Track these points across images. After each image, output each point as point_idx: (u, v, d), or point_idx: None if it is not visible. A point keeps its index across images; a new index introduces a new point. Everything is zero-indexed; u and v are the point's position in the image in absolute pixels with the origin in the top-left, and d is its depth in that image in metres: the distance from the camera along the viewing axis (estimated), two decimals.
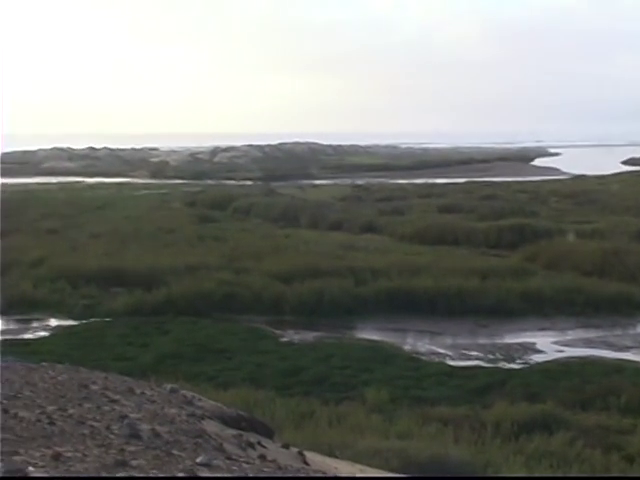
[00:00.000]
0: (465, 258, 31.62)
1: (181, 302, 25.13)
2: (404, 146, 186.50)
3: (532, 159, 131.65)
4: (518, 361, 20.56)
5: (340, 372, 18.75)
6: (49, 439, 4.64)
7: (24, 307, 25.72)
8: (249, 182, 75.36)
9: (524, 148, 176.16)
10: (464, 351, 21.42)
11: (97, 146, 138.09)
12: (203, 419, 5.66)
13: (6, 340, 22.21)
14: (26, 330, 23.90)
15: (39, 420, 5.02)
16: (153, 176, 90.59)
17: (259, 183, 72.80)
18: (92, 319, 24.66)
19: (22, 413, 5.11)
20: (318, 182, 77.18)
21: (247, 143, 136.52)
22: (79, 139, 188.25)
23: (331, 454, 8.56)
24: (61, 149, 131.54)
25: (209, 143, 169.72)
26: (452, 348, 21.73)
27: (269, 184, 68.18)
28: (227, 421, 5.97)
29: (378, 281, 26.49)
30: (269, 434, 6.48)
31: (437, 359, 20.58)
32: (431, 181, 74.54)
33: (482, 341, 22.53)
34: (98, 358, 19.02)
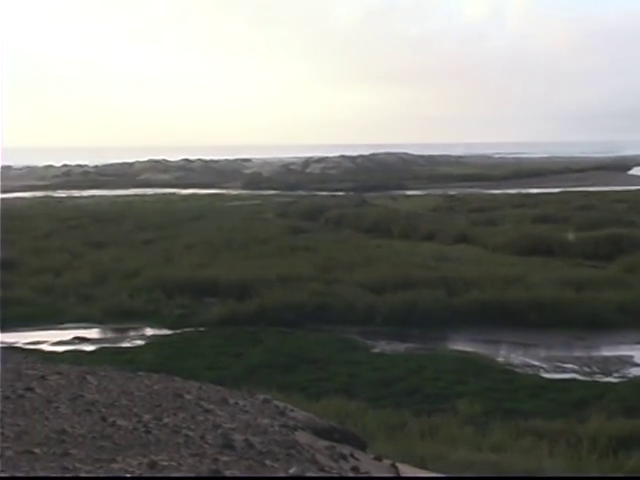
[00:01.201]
0: (560, 269, 31.10)
1: (273, 312, 25.26)
2: (497, 156, 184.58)
3: (630, 168, 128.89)
4: (615, 375, 20.10)
5: (432, 384, 18.61)
6: (145, 447, 4.71)
7: (121, 316, 26.21)
8: (341, 193, 75.45)
9: (621, 157, 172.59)
10: (559, 364, 21.05)
11: (191, 158, 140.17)
12: (296, 430, 5.67)
13: (104, 348, 22.69)
14: (122, 339, 24.34)
15: (136, 428, 5.11)
16: (246, 187, 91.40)
17: (351, 194, 72.81)
18: (186, 329, 24.97)
19: (119, 421, 5.20)
20: (410, 192, 76.88)
21: (339, 154, 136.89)
22: (174, 151, 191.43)
23: (423, 466, 8.49)
24: (157, 161, 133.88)
25: (301, 154, 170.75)
26: (546, 360, 21.37)
27: (361, 195, 68.16)
28: (319, 432, 5.98)
29: (471, 292, 26.23)
30: (362, 446, 6.46)
31: (531, 371, 20.27)
32: (525, 191, 73.55)
33: (578, 354, 22.10)
34: (191, 367, 19.24)
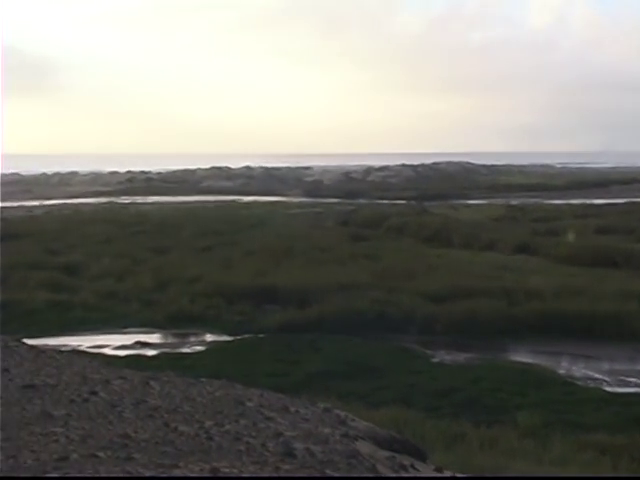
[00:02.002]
0: (624, 281, 30.65)
1: (332, 320, 25.28)
2: (560, 166, 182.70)
3: None
4: None
5: (492, 394, 18.47)
6: (207, 454, 4.75)
7: (181, 322, 26.45)
8: (402, 201, 75.27)
9: None
10: (622, 377, 20.75)
11: (253, 165, 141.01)
12: (356, 440, 5.68)
13: (164, 353, 22.92)
14: (183, 344, 24.56)
15: (198, 435, 5.16)
16: (307, 195, 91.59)
17: (412, 202, 72.61)
18: (245, 335, 25.10)
19: (182, 427, 5.26)
20: (471, 202, 76.40)
21: (400, 162, 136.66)
22: (236, 159, 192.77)
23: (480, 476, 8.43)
24: (219, 168, 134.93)
25: (363, 162, 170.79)
26: (609, 374, 21.08)
27: (422, 203, 67.93)
28: (380, 442, 5.97)
29: (532, 303, 25.99)
30: (422, 457, 6.45)
31: (593, 384, 20.00)
32: (588, 201, 72.65)
33: None
34: (250, 374, 19.32)
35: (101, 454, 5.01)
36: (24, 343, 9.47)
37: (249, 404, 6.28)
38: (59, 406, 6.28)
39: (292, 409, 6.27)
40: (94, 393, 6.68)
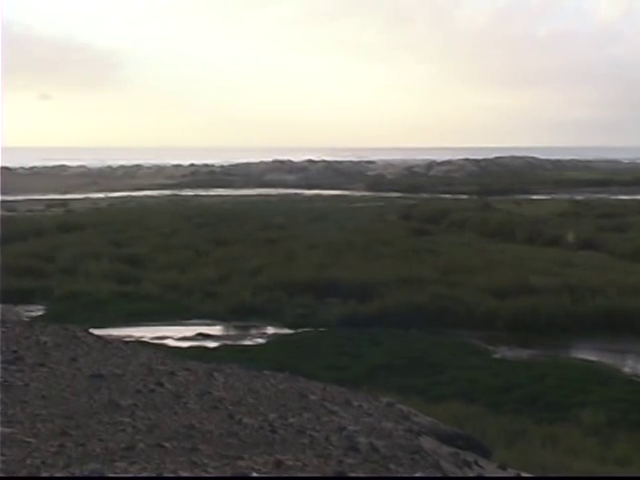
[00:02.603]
0: None
1: (394, 314, 25.26)
2: (626, 161, 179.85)
3: None
4: None
5: (554, 392, 18.30)
6: (271, 446, 4.80)
7: (243, 314, 26.63)
8: (464, 196, 74.82)
9: None
10: None
11: (316, 159, 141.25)
12: (420, 435, 5.68)
13: (226, 345, 23.10)
14: (244, 336, 24.72)
15: (262, 427, 5.21)
16: (369, 189, 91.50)
17: (474, 197, 72.14)
18: (306, 328, 25.19)
19: (246, 419, 5.32)
20: (535, 197, 75.65)
21: (463, 157, 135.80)
22: (299, 152, 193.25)
23: (544, 476, 8.38)
24: (281, 162, 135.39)
25: (425, 157, 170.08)
26: None
27: (485, 198, 67.43)
28: (443, 438, 5.97)
29: (596, 300, 25.69)
30: (485, 454, 6.43)
31: None
32: None
33: None
34: (311, 367, 19.38)
35: (167, 444, 5.08)
36: (91, 333, 9.64)
37: (312, 397, 6.31)
38: (126, 396, 6.39)
39: (355, 403, 6.29)
40: (160, 384, 6.77)
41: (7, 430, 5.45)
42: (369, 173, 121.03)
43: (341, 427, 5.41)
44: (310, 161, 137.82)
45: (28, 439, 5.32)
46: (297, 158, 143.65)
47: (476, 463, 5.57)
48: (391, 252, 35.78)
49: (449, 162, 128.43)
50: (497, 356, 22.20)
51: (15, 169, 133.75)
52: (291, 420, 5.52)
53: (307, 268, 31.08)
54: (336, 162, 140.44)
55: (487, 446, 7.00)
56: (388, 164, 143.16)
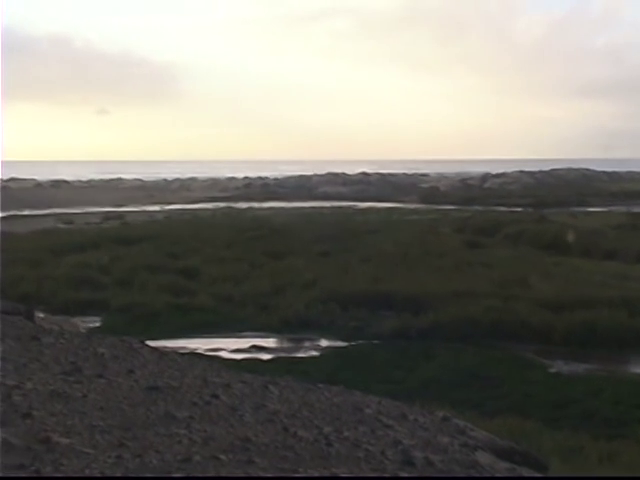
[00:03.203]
0: None
1: (447, 327, 25.13)
2: None
3: None
4: None
5: (612, 407, 18.05)
6: (326, 460, 4.81)
7: (297, 327, 26.67)
8: (519, 209, 74.25)
9: None
10: None
11: (369, 171, 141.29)
12: (476, 450, 5.65)
13: (280, 358, 23.15)
14: (298, 349, 24.76)
15: (317, 440, 5.22)
16: (423, 201, 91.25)
17: (529, 210, 71.57)
18: (360, 341, 25.16)
19: (301, 432, 5.34)
20: (591, 209, 74.86)
21: (518, 169, 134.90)
22: (353, 165, 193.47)
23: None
24: (335, 174, 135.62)
25: (480, 169, 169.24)
26: None
27: (540, 211, 66.88)
28: (499, 453, 5.93)
29: None
30: (542, 469, 6.37)
31: None
32: None
33: None
34: (365, 380, 19.35)
35: (223, 457, 5.12)
36: (147, 345, 9.74)
37: (367, 411, 6.32)
38: (182, 408, 6.44)
39: (410, 417, 6.28)
40: (215, 396, 6.82)
41: (66, 441, 5.53)
42: (423, 185, 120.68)
43: (396, 441, 5.40)
44: (364, 174, 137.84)
45: (87, 450, 5.39)
46: (351, 171, 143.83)
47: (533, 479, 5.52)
48: (445, 265, 35.61)
49: (504, 174, 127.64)
50: (553, 370, 21.97)
51: (73, 182, 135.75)
52: (346, 434, 5.52)
53: (361, 281, 31.05)
54: (390, 174, 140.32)
55: (543, 462, 6.93)
56: (442, 176, 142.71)
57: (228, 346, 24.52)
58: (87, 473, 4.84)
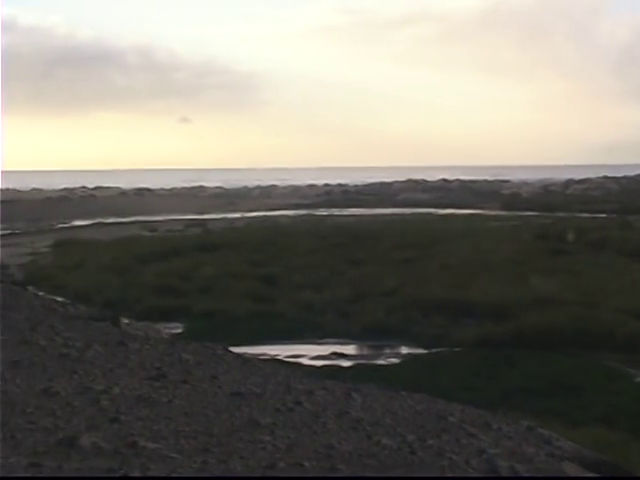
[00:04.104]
0: None
1: (530, 335, 24.82)
2: None
3: None
4: None
5: None
6: (410, 468, 4.80)
7: (377, 333, 26.63)
8: (603, 215, 73.02)
9: None
10: None
11: (450, 178, 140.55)
12: (562, 460, 5.58)
13: (360, 365, 23.15)
14: (378, 356, 24.72)
15: (400, 448, 5.22)
16: (504, 208, 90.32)
17: (614, 216, 70.32)
18: (441, 348, 25.02)
19: (384, 440, 5.33)
20: None
21: (602, 174, 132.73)
22: (433, 171, 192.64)
23: None
24: (415, 181, 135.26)
25: (563, 175, 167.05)
26: None
27: (625, 217, 65.66)
28: (586, 464, 5.84)
29: None
30: None
31: None
32: None
33: None
34: (446, 387, 19.21)
35: (306, 464, 5.14)
36: (230, 351, 9.84)
37: (451, 419, 6.28)
38: (265, 414, 6.49)
39: (494, 426, 6.22)
40: (298, 403, 6.86)
41: (152, 445, 5.62)
42: (504, 192, 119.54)
43: (481, 450, 5.36)
44: (444, 180, 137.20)
45: (172, 455, 5.47)
46: (431, 177, 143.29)
47: None
48: (527, 272, 35.19)
49: (588, 180, 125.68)
50: (639, 380, 21.55)
51: (156, 190, 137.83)
52: (430, 442, 5.50)
53: (442, 288, 30.88)
54: (470, 181, 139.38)
55: (633, 474, 6.81)
56: (523, 182, 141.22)
57: (308, 353, 24.60)
58: (174, 477, 4.90)
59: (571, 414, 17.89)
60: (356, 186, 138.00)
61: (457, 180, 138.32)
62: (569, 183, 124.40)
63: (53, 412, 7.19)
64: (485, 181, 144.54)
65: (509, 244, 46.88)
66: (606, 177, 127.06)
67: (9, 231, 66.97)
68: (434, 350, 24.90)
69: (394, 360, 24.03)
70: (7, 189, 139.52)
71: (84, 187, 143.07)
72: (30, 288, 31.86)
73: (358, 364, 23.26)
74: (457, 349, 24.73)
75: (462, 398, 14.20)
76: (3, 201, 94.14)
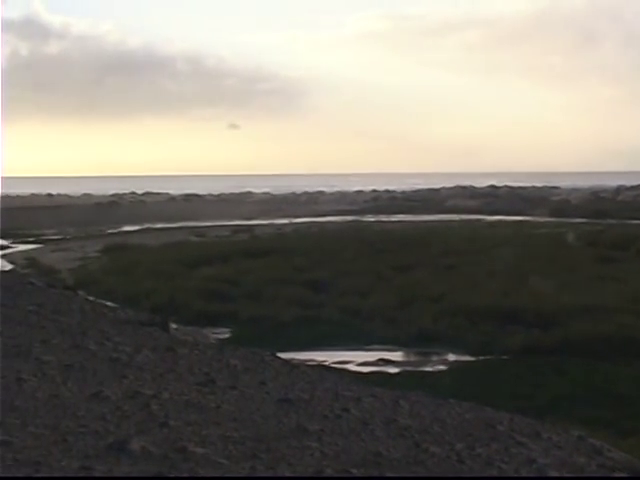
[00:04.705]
0: None
1: (578, 343, 24.57)
2: None
3: None
4: None
5: None
6: (458, 477, 4.77)
7: (424, 340, 26.52)
8: None
9: None
10: None
11: (498, 184, 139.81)
12: (613, 471, 5.52)
13: (406, 371, 23.07)
14: (425, 363, 24.62)
15: (448, 457, 5.20)
16: (553, 215, 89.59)
17: None
18: (488, 356, 24.86)
19: (432, 448, 5.32)
20: None
21: None
22: (481, 177, 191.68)
23: None
24: (463, 187, 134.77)
25: (614, 181, 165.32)
26: None
27: None
28: (639, 476, 5.77)
29: None
30: None
31: None
32: None
33: None
34: (493, 395, 19.08)
35: (354, 471, 5.14)
36: (278, 357, 9.87)
37: (500, 428, 6.24)
38: (313, 421, 6.50)
39: (544, 435, 6.17)
40: (346, 410, 6.86)
41: (201, 450, 5.65)
42: (553, 198, 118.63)
43: (530, 459, 5.32)
44: (492, 186, 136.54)
45: (221, 460, 5.50)
46: (479, 183, 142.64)
47: None
48: (576, 279, 34.89)
49: (639, 187, 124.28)
50: None
51: (204, 196, 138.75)
52: (478, 450, 5.47)
53: (489, 295, 30.70)
54: (519, 187, 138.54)
55: None
56: (573, 189, 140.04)
57: (355, 359, 24.56)
58: None
59: (620, 423, 17.66)
60: (404, 192, 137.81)
61: (505, 186, 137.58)
62: (620, 190, 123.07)
63: (103, 416, 7.28)
64: (534, 187, 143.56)
65: (558, 251, 46.50)
66: None
67: (60, 236, 67.78)
68: (481, 357, 24.74)
69: (441, 367, 23.92)
70: (58, 194, 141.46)
71: (133, 193, 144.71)
72: (80, 292, 32.26)
73: (405, 371, 23.18)
74: (504, 356, 24.56)
75: (510, 406, 14.10)
76: (55, 206, 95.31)
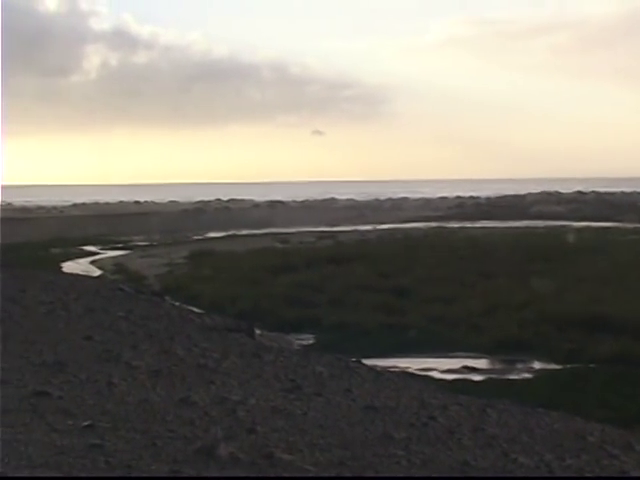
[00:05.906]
0: None
1: None
2: None
3: None
4: None
5: None
6: None
7: (509, 348, 26.20)
8: None
9: None
10: None
11: (585, 190, 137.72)
12: None
13: (491, 379, 22.82)
14: (510, 371, 24.33)
15: (538, 467, 5.13)
16: None
17: None
18: (575, 364, 24.45)
19: (521, 458, 5.26)
20: None
21: None
22: (568, 183, 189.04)
23: None
24: (549, 193, 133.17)
25: None
26: None
27: None
28: None
29: None
30: None
31: None
32: None
33: None
34: (580, 404, 18.75)
35: None
36: (363, 364, 9.86)
37: (590, 439, 6.15)
38: (399, 429, 6.48)
39: (637, 447, 6.05)
40: (433, 418, 6.83)
41: (288, 457, 5.68)
42: None
43: (623, 472, 5.22)
44: (579, 192, 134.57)
45: (308, 467, 5.52)
46: (566, 189, 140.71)
47: None
48: None
49: None
50: None
51: (288, 202, 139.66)
52: (569, 462, 5.39)
53: (576, 302, 30.22)
54: (607, 193, 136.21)
55: None
56: None
57: (439, 366, 24.39)
58: None
59: None
60: (488, 198, 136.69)
61: (593, 192, 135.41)
62: None
63: (192, 421, 7.37)
64: (622, 193, 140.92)
65: None
66: None
67: (147, 242, 68.90)
68: (568, 366, 24.33)
69: (527, 375, 23.61)
70: (145, 202, 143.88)
71: (218, 199, 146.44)
72: (167, 298, 32.73)
73: (490, 379, 22.93)
74: (592, 365, 24.12)
75: (599, 416, 13.85)
76: (142, 213, 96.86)
